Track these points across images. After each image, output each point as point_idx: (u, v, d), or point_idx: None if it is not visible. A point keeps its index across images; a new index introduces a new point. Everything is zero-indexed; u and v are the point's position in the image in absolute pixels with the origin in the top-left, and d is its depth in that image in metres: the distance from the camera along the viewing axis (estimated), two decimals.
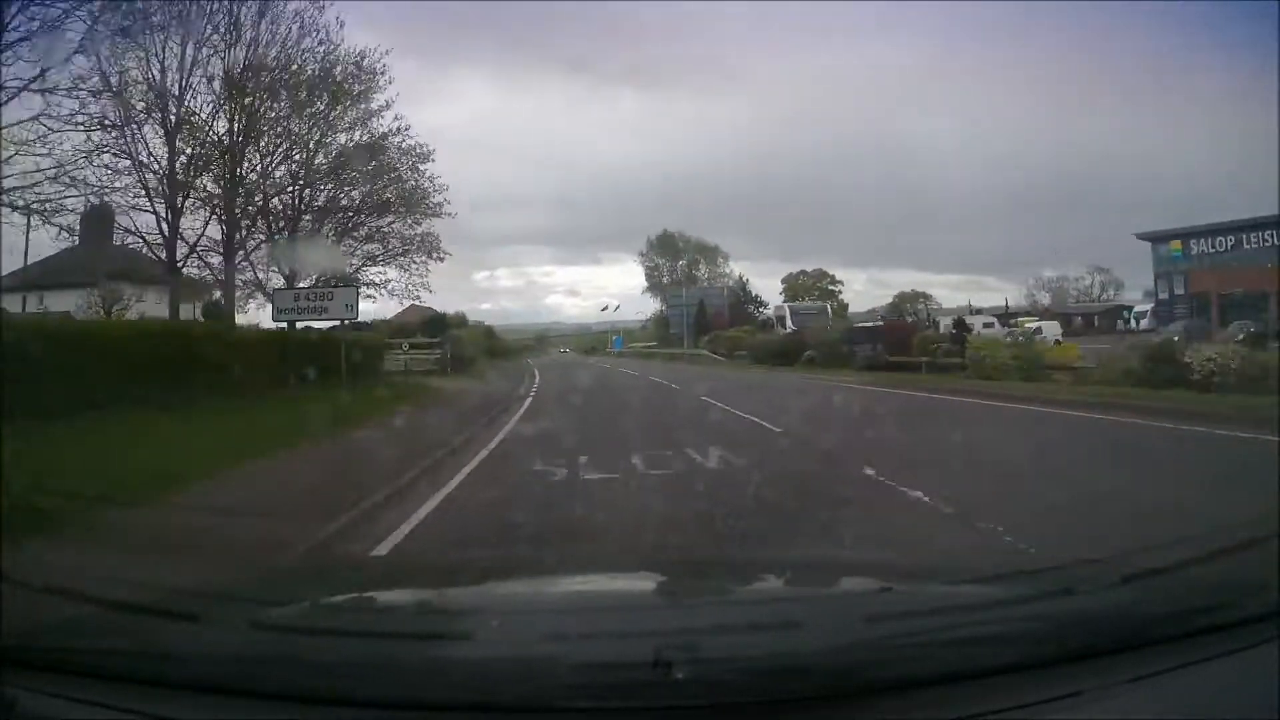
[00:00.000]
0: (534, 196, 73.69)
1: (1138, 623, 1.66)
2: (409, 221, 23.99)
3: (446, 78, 70.28)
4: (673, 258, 67.17)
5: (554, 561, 3.14)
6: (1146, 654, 1.50)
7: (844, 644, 1.56)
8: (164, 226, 18.31)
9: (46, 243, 18.30)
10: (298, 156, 21.38)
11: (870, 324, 38.59)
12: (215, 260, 20.61)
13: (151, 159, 18.21)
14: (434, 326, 38.53)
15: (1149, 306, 40.17)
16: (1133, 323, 39.81)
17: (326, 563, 4.72)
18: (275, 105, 20.12)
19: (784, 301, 54.68)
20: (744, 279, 63.14)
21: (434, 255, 24.62)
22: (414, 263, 24.32)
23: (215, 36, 18.38)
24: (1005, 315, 40.48)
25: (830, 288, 62.18)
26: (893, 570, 2.61)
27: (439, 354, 31.92)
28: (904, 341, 29.06)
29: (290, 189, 21.80)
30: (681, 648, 1.38)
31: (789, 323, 45.39)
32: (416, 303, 30.85)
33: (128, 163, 17.83)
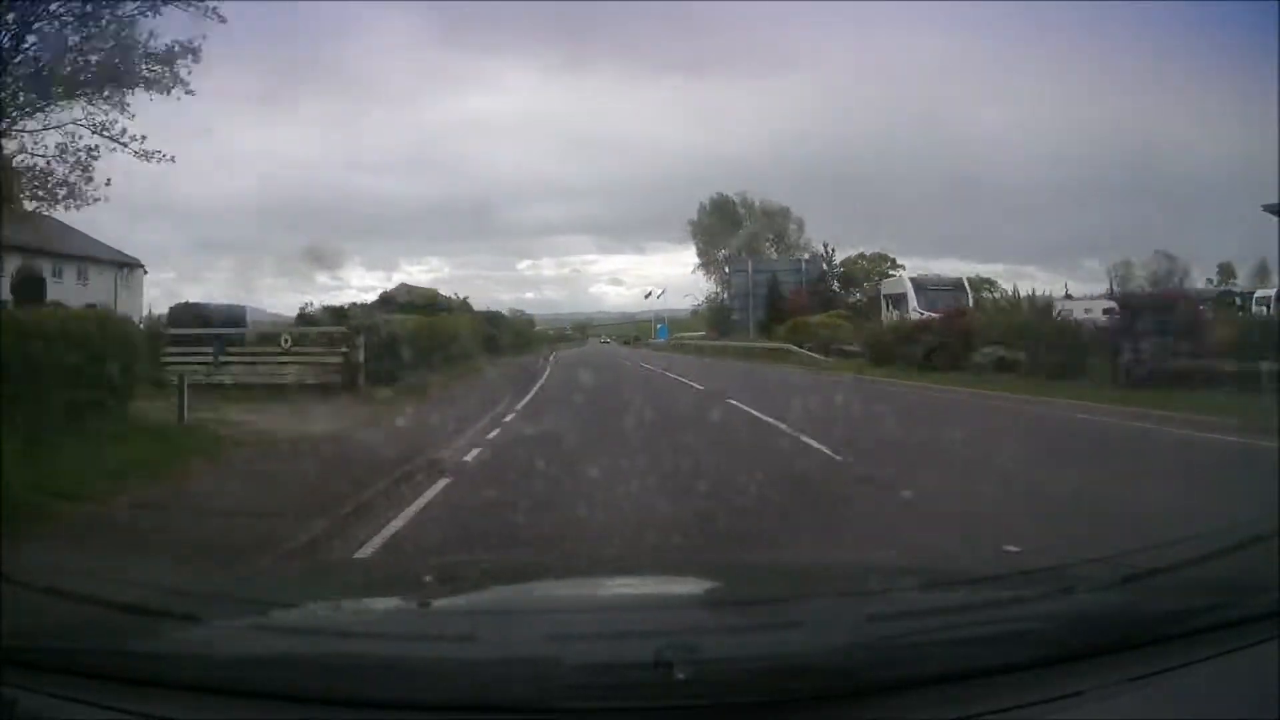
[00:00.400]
0: (576, 185, 73.98)
1: (1138, 622, 1.66)
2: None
3: (487, 66, 70.57)
4: (731, 227, 53.19)
5: (554, 562, 3.15)
6: (1147, 654, 1.51)
7: (844, 644, 1.56)
8: None
9: None
10: None
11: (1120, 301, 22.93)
12: None
13: None
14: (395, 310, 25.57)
15: (1272, 292, 32.57)
16: (1260, 310, 31.96)
17: (326, 563, 4.72)
18: None
19: (901, 275, 39.04)
20: (829, 249, 47.36)
21: (159, 83, 11.59)
22: (96, 107, 11.40)
23: None
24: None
25: (891, 272, 51.45)
26: (893, 570, 2.62)
27: (344, 356, 16.99)
28: (1194, 331, 16.55)
29: None
30: (682, 648, 1.38)
31: (914, 303, 31.34)
32: (407, 281, 23.38)
33: None
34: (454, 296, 35.42)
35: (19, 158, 11.91)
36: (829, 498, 6.89)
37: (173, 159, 13.24)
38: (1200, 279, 41.52)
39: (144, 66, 11.66)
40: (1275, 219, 24.96)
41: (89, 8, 11.13)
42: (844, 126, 64.33)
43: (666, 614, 2.03)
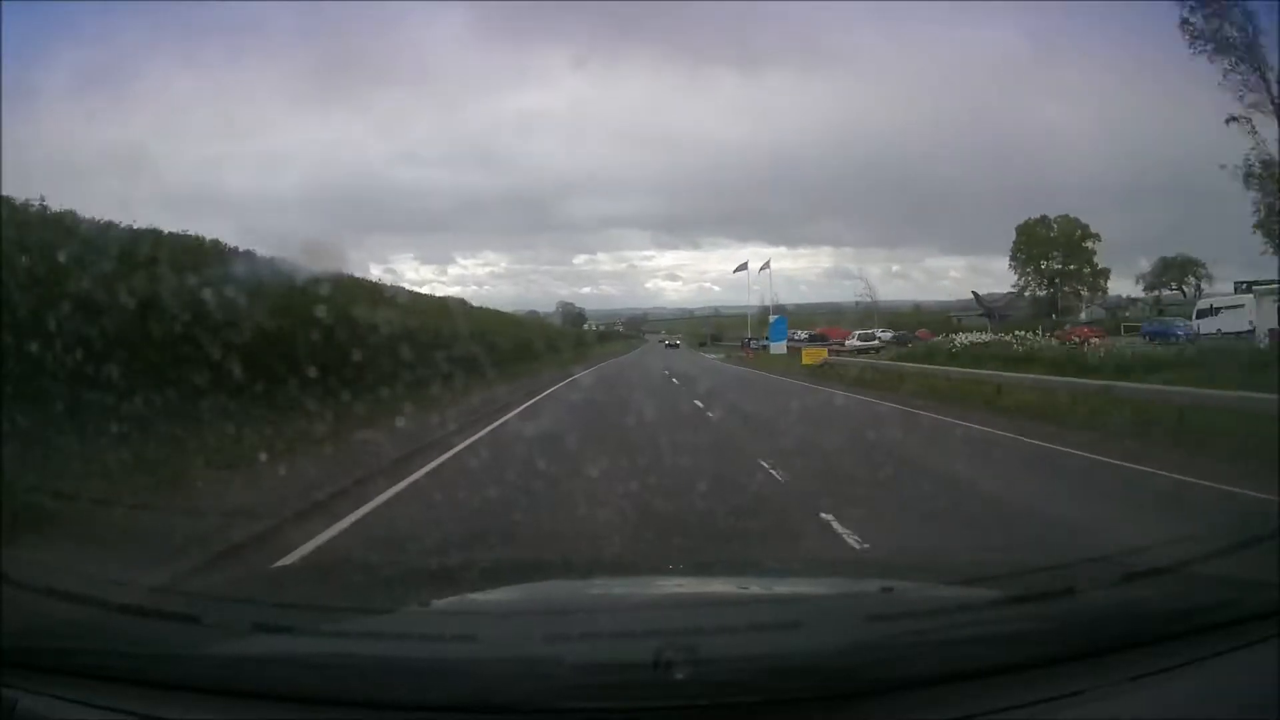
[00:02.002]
0: (633, 179, 73.44)
1: (1139, 621, 1.66)
2: None
3: (542, 61, 70.16)
4: None
5: (554, 562, 3.15)
6: (1148, 652, 1.51)
7: (844, 644, 1.56)
8: None
9: None
10: None
11: None
12: None
13: None
14: None
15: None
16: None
17: (327, 563, 4.73)
18: None
19: None
20: None
21: None
22: None
23: None
24: None
25: (1087, 245, 40.42)
26: (893, 570, 2.62)
27: None
28: None
29: None
30: (682, 648, 1.38)
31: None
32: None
33: None
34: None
35: None
36: None
37: None
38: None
39: None
40: None
41: None
42: (900, 125, 62.61)
43: (667, 614, 2.03)
